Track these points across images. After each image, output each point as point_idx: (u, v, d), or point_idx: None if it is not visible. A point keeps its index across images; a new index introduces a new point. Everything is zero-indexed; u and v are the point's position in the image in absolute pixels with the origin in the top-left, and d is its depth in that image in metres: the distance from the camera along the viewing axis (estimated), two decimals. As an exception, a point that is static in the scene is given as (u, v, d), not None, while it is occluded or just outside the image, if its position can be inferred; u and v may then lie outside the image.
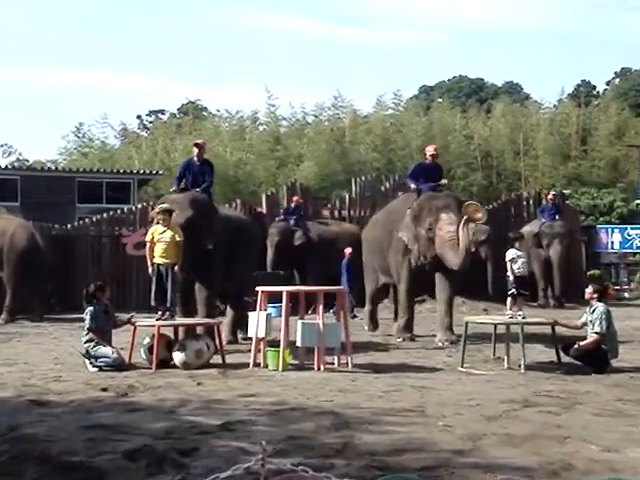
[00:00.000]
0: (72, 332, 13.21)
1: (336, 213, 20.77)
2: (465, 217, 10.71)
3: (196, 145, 11.51)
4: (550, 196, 19.98)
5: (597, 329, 8.60)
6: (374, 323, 13.47)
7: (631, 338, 11.47)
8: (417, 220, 11.58)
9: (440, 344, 11.10)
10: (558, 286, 18.90)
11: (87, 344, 8.99)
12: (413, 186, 12.21)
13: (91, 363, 8.83)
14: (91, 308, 9.06)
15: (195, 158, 11.26)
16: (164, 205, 9.90)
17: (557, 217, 19.28)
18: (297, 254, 18.21)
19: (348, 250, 16.64)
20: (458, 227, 10.84)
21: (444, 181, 12.51)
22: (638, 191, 30.49)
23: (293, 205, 19.06)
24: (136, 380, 7.95)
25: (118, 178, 25.71)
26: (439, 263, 11.38)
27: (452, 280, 11.72)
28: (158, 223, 9.64)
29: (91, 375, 8.41)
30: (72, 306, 16.98)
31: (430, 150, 12.58)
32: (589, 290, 8.96)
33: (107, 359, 8.82)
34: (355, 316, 15.71)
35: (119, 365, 8.82)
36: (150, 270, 9.58)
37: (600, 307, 8.70)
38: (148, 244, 9.63)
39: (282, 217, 18.77)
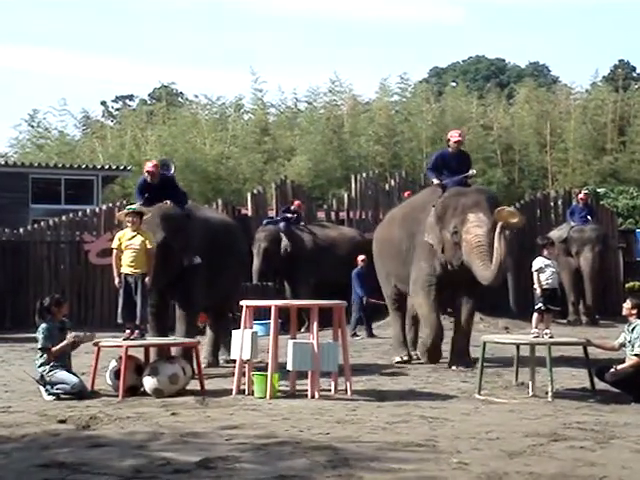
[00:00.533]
0: (24, 354, 13.20)
1: (333, 215, 20.78)
2: (500, 223, 10.25)
3: (147, 172, 10.96)
4: (581, 195, 20.01)
5: (637, 350, 8.60)
6: (406, 348, 12.48)
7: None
8: (441, 221, 11.20)
9: (454, 368, 11.08)
10: (590, 300, 18.88)
11: (41, 367, 8.96)
12: (436, 181, 11.79)
13: (47, 390, 8.81)
14: (44, 325, 9.04)
15: (149, 179, 10.93)
16: (134, 206, 9.90)
17: (589, 220, 19.30)
18: (286, 263, 18.27)
19: (361, 257, 16.65)
20: (489, 230, 10.56)
21: (472, 171, 12.04)
22: (685, 190, 30.56)
23: (293, 208, 19.10)
24: (100, 410, 7.93)
25: (79, 174, 25.72)
26: (467, 273, 10.94)
27: (476, 295, 11.52)
28: (126, 227, 9.65)
29: (47, 404, 8.39)
30: (25, 323, 17.00)
31: (455, 136, 12.02)
32: (627, 305, 8.97)
33: (65, 385, 8.80)
34: (356, 335, 15.75)
35: (80, 392, 8.80)
36: (117, 281, 9.57)
37: None
38: (115, 251, 9.63)
39: (277, 218, 18.83)
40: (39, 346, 9.03)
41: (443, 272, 11.37)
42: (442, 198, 11.38)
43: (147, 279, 9.46)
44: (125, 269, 9.48)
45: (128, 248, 9.49)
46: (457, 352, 11.39)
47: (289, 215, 18.88)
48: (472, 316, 11.74)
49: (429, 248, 11.43)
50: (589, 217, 19.38)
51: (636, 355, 8.61)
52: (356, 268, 16.79)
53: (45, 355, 8.98)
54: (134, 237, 9.51)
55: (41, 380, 8.92)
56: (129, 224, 9.63)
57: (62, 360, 9.05)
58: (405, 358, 12.09)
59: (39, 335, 9.05)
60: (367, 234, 19.61)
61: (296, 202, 19.44)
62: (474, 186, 11.77)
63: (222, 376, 10.28)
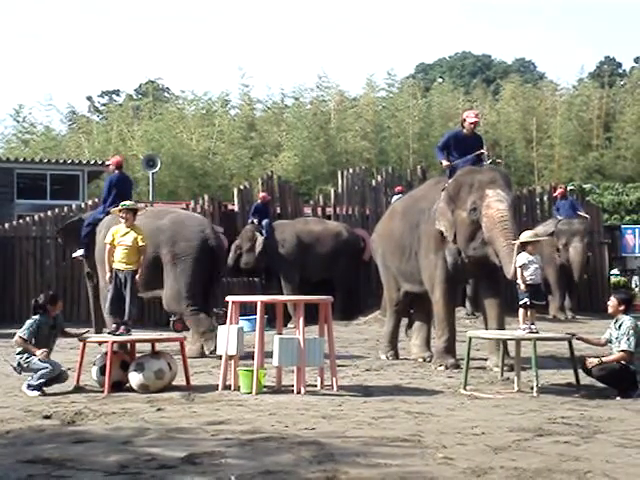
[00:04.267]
0: (10, 350, 13.12)
1: (320, 211, 20.79)
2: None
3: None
4: (559, 191, 20.10)
5: (624, 346, 8.63)
6: (395, 348, 12.20)
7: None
8: (454, 201, 10.52)
9: (496, 369, 10.17)
10: (575, 289, 18.96)
11: (19, 355, 8.91)
12: (445, 162, 11.10)
13: (29, 386, 8.75)
14: (36, 318, 8.97)
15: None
16: (127, 202, 9.94)
17: (575, 213, 19.42)
18: (264, 260, 18.33)
19: None
20: (509, 206, 10.04)
21: (483, 151, 11.19)
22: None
23: (258, 202, 19.12)
24: (85, 406, 7.90)
25: (65, 170, 25.58)
26: (482, 261, 10.40)
27: (500, 284, 10.69)
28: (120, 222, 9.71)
29: (31, 400, 8.35)
30: (9, 319, 16.97)
31: (471, 116, 11.26)
32: (613, 302, 8.99)
33: (44, 370, 8.71)
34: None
35: (59, 376, 8.79)
36: (107, 276, 9.62)
37: (627, 321, 8.73)
38: (108, 247, 9.66)
39: (250, 219, 18.85)
40: (20, 334, 8.89)
41: (454, 263, 10.77)
42: (455, 177, 10.73)
43: (137, 276, 9.51)
44: (117, 265, 9.52)
45: (120, 244, 9.53)
46: (495, 349, 10.50)
47: (267, 211, 18.90)
48: (501, 311, 10.70)
49: (437, 238, 10.84)
50: (577, 211, 19.50)
51: (623, 351, 8.64)
52: None
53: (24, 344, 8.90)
54: (127, 234, 9.56)
55: (18, 367, 8.88)
56: (123, 220, 9.65)
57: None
58: (391, 359, 11.94)
59: (26, 325, 8.94)
60: (356, 229, 19.69)
61: (261, 194, 19.52)
62: (487, 164, 11.10)
63: (208, 372, 10.27)
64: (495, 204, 10.11)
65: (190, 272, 12.20)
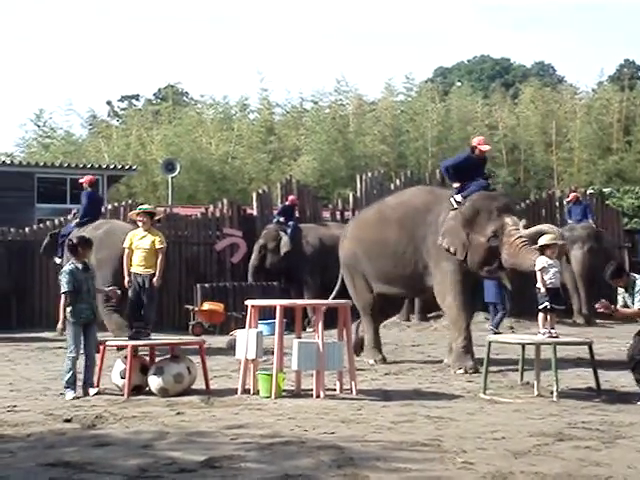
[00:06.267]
0: (30, 354, 13.23)
1: (338, 215, 20.77)
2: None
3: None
4: (571, 196, 20.01)
5: (638, 305, 8.43)
6: (381, 352, 12.41)
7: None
8: (471, 225, 10.98)
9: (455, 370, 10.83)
10: (585, 300, 18.73)
11: (68, 308, 8.91)
12: (456, 185, 11.53)
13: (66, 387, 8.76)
14: (67, 268, 8.99)
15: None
16: (145, 206, 9.98)
17: (586, 219, 19.28)
18: (286, 263, 18.31)
19: None
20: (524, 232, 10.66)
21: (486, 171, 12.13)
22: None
23: (287, 204, 19.12)
24: (105, 409, 7.94)
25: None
26: (476, 276, 11.36)
27: (476, 294, 11.86)
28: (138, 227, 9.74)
29: (52, 403, 8.39)
30: (29, 323, 17.05)
31: (482, 143, 11.83)
32: (612, 276, 8.74)
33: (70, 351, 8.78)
34: (498, 332, 14.86)
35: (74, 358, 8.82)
36: (126, 281, 9.63)
37: (638, 280, 8.54)
38: (126, 251, 9.68)
39: (276, 218, 18.84)
40: (63, 291, 8.98)
41: (464, 271, 11.18)
42: (471, 202, 11.14)
43: (155, 279, 9.51)
44: (135, 269, 9.55)
45: (138, 248, 9.55)
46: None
47: (292, 214, 18.89)
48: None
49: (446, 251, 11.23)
50: (586, 217, 19.36)
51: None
52: None
53: (68, 297, 8.93)
54: (144, 237, 9.59)
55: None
56: (140, 224, 9.68)
57: (87, 301, 9.00)
58: (379, 363, 11.97)
59: (63, 281, 9.02)
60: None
61: (290, 197, 19.49)
62: (497, 190, 12.00)
63: (227, 376, 10.28)
64: (516, 232, 10.61)
65: (110, 278, 12.26)
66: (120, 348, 9.91)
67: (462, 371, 10.71)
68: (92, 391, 8.78)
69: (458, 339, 11.12)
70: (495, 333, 14.34)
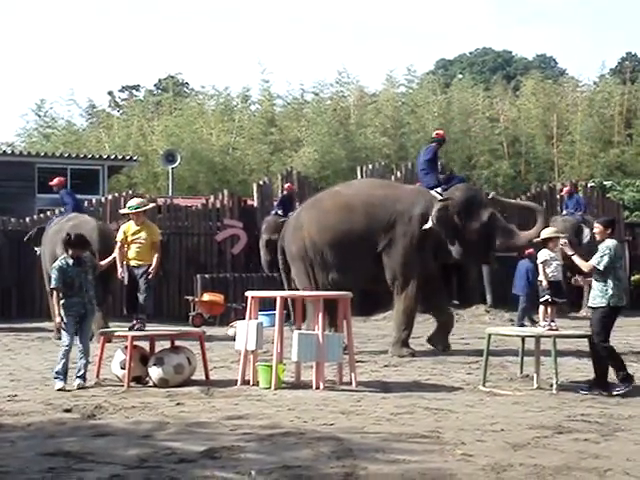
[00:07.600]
0: (30, 344, 13.25)
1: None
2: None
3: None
4: (565, 189, 19.97)
5: (593, 262, 8.60)
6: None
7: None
8: (466, 213, 12.05)
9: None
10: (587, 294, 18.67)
11: (61, 302, 8.95)
12: (441, 176, 13.01)
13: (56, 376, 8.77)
14: (57, 264, 9.04)
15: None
16: (132, 203, 9.90)
17: (579, 211, 19.24)
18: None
19: (529, 250, 14.80)
20: None
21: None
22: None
23: (284, 194, 19.05)
24: (105, 400, 7.95)
25: (85, 164, 25.64)
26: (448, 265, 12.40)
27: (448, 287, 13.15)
28: (131, 219, 9.71)
29: (52, 393, 8.40)
30: (31, 313, 17.07)
31: (441, 134, 13.81)
32: (599, 227, 8.83)
33: (64, 342, 8.87)
34: (524, 325, 14.73)
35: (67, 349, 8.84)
36: (119, 272, 9.61)
37: (608, 241, 8.66)
38: (119, 244, 9.66)
39: (274, 210, 18.73)
40: (50, 286, 9.21)
41: (429, 263, 12.09)
42: (465, 193, 12.30)
43: (151, 269, 9.50)
44: (131, 261, 9.53)
45: (134, 242, 9.54)
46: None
47: (291, 203, 18.78)
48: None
49: (419, 238, 11.92)
50: (579, 210, 19.31)
51: (593, 266, 8.59)
52: (524, 260, 16.03)
53: (55, 293, 9.03)
54: (140, 231, 9.57)
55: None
56: (133, 218, 9.67)
57: (79, 295, 9.00)
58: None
59: (52, 275, 9.19)
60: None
61: (286, 185, 19.46)
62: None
63: (227, 367, 10.29)
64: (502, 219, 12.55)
65: None
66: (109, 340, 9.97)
67: (400, 358, 11.37)
68: (77, 382, 8.74)
69: (406, 330, 11.99)
70: (520, 326, 14.38)
